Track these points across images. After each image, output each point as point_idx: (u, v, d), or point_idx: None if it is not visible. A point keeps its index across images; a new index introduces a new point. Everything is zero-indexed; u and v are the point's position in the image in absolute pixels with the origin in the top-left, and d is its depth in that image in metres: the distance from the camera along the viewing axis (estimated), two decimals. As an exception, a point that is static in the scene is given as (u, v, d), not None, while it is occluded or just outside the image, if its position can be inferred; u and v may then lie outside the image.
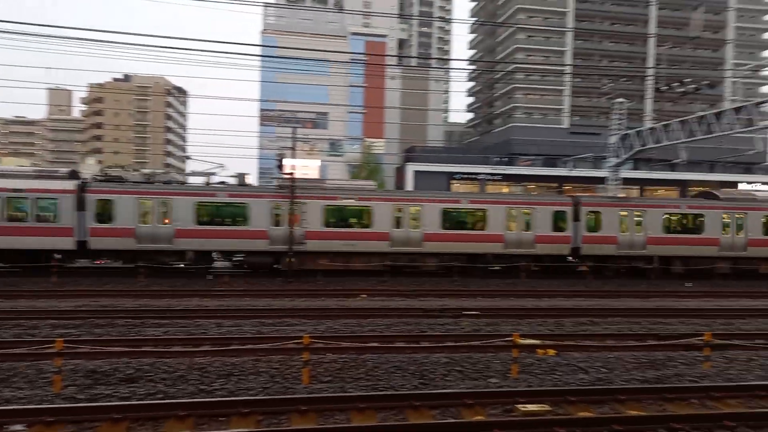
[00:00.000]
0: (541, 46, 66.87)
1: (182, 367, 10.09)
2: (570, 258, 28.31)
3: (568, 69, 64.87)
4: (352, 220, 25.90)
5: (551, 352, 11.85)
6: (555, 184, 55.70)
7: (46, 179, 23.69)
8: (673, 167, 52.49)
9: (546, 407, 8.34)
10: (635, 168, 54.60)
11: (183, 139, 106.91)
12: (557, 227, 27.01)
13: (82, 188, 23.53)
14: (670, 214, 28.22)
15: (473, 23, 76.62)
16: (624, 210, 27.84)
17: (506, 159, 58.43)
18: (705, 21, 66.80)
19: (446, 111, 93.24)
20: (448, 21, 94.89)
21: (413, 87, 72.84)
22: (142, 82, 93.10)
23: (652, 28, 67.60)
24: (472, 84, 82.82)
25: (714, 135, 27.71)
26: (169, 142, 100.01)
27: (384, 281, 24.18)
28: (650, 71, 64.18)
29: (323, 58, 59.45)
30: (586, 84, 66.38)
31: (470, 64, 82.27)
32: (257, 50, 66.78)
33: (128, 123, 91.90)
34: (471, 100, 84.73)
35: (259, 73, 67.50)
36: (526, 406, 8.34)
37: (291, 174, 24.40)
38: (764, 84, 66.09)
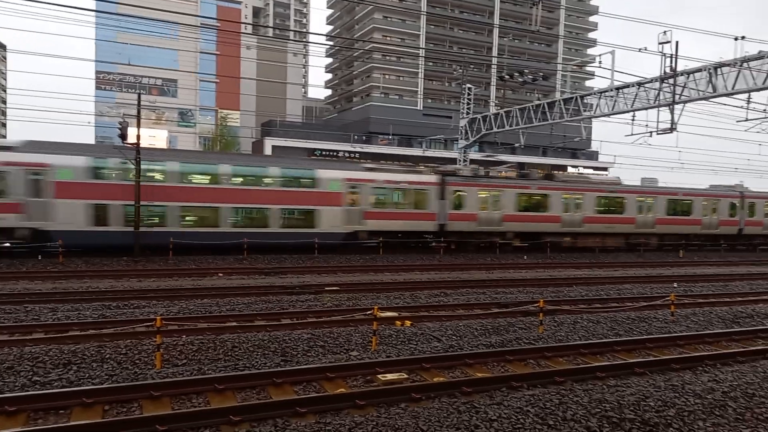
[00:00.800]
0: (397, 27, 68.45)
1: (10, 358, 8.94)
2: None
3: (421, 52, 67.32)
4: (611, 208, 32.93)
5: (408, 323, 12.44)
6: (410, 164, 57.97)
7: (416, 174, 29.23)
8: (513, 151, 57.54)
9: (404, 375, 8.75)
10: (481, 150, 58.79)
11: (2, 100, 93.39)
12: (730, 214, 36.67)
13: (442, 181, 28.57)
14: None
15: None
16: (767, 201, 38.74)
17: (364, 137, 59.42)
18: (541, 17, 73.27)
19: (305, 86, 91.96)
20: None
21: (270, 59, 70.62)
22: (-55, 31, 79.21)
23: (497, 19, 72.53)
24: (330, 60, 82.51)
25: (548, 122, 30.96)
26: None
27: (242, 259, 23.51)
28: (494, 60, 69.02)
29: (171, 20, 55.13)
30: (438, 68, 69.58)
31: (328, 40, 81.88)
32: (93, 4, 59.83)
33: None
34: (329, 76, 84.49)
35: (95, 30, 60.63)
36: (386, 375, 8.68)
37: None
38: (589, 78, 74.39)
